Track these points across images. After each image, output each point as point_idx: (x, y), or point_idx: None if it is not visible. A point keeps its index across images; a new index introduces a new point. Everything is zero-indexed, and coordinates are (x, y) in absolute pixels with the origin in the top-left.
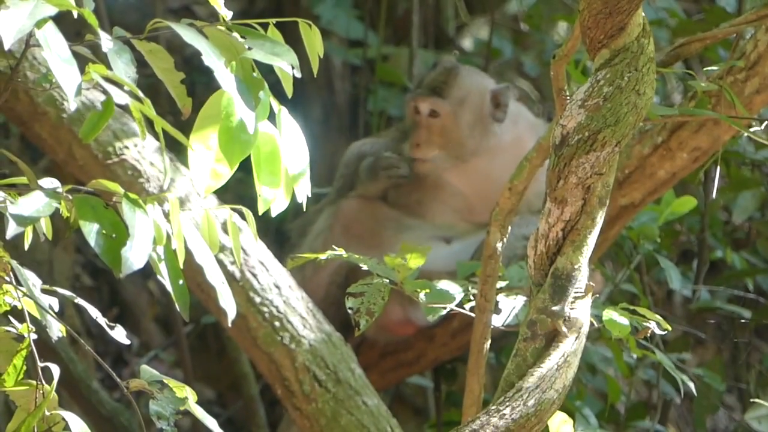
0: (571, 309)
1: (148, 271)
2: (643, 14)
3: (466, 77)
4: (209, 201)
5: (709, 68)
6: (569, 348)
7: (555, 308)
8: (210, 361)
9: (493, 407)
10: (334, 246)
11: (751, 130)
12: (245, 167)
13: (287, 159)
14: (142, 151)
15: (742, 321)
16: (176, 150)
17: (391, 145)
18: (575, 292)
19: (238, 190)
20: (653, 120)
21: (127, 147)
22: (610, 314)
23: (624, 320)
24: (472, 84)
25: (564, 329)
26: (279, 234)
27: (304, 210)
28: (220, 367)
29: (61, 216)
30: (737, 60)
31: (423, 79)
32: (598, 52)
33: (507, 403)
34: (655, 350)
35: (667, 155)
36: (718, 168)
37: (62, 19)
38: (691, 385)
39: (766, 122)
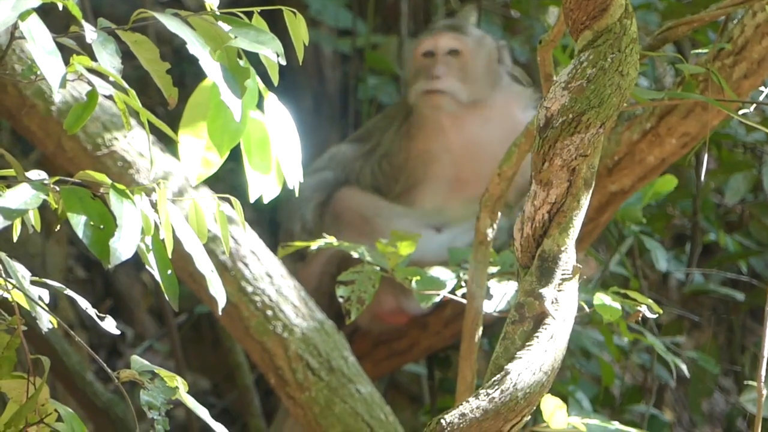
0: (559, 291)
1: (141, 262)
2: None
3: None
4: (201, 191)
5: (696, 51)
6: (557, 330)
7: (542, 290)
8: (205, 351)
9: (482, 391)
10: (325, 234)
11: (741, 113)
12: (237, 156)
13: (277, 145)
14: (132, 142)
15: (737, 303)
16: (168, 140)
17: (361, 158)
18: (562, 274)
19: (231, 180)
20: (641, 104)
21: (116, 138)
22: (601, 298)
23: (615, 304)
24: (484, 33)
25: (552, 311)
26: (273, 223)
27: (296, 196)
28: (214, 357)
29: (52, 208)
30: (725, 44)
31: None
32: (581, 34)
33: (496, 387)
34: (646, 333)
35: (656, 141)
36: (709, 151)
37: (50, 12)
38: (685, 368)
39: (755, 105)
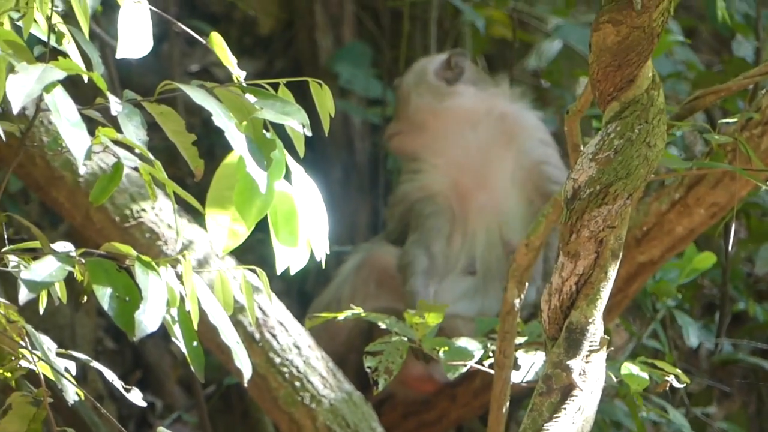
0: (586, 362)
1: (170, 334)
2: (653, 66)
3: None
4: (228, 262)
5: (723, 120)
6: (585, 402)
7: (570, 362)
8: (233, 422)
9: None
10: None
11: None
12: (266, 227)
13: (304, 218)
14: (160, 213)
15: (767, 373)
16: (197, 211)
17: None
18: (590, 346)
19: (260, 251)
20: (670, 174)
21: (144, 210)
22: (628, 368)
23: (643, 374)
24: (423, 59)
25: (579, 383)
26: (301, 294)
27: (323, 268)
28: (243, 428)
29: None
30: (753, 113)
31: None
32: (608, 105)
33: None
34: (667, 406)
35: (685, 211)
36: (738, 220)
37: (77, 83)
38: None
39: None
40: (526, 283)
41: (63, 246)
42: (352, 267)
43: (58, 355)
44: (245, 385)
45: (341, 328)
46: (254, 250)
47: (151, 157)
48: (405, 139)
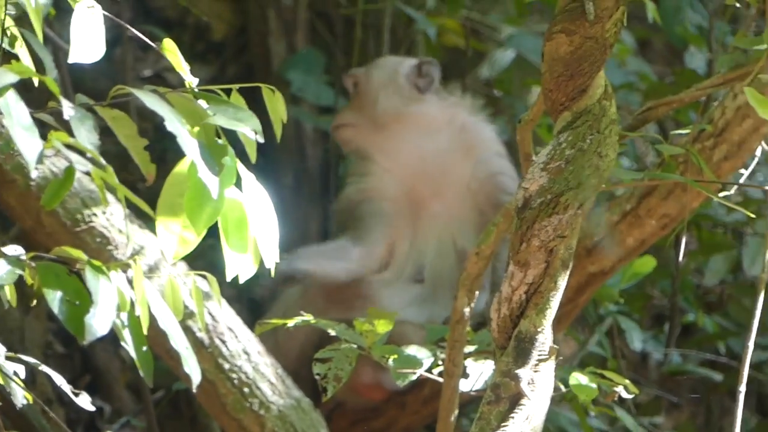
0: (535, 372)
1: (119, 338)
2: (606, 76)
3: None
4: (179, 268)
5: (676, 132)
6: (533, 411)
7: (518, 371)
8: (182, 427)
9: None
10: (302, 312)
11: (721, 194)
12: (217, 233)
13: (255, 225)
14: (111, 218)
15: (715, 384)
16: (148, 217)
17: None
18: (539, 355)
19: (210, 257)
20: (621, 185)
21: (95, 214)
22: (577, 378)
23: (592, 384)
24: (390, 58)
25: (527, 392)
26: (251, 300)
27: (272, 276)
28: None
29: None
30: (706, 125)
31: None
32: (560, 115)
33: None
34: (619, 411)
35: (636, 222)
36: (689, 232)
37: (30, 87)
38: None
39: (735, 187)
40: (476, 292)
41: (13, 249)
42: (298, 289)
43: (7, 358)
44: (194, 390)
45: (293, 345)
46: (205, 256)
47: (103, 161)
48: (359, 133)
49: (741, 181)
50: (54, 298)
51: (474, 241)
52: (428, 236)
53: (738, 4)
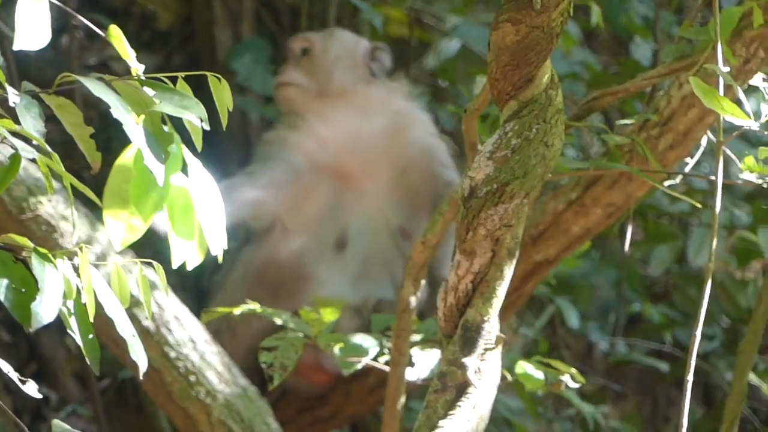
0: (482, 360)
1: (65, 326)
2: (552, 66)
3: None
4: (125, 256)
5: (621, 122)
6: (480, 399)
7: (465, 360)
8: (128, 416)
9: None
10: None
11: (666, 184)
12: None
13: (201, 212)
14: (56, 206)
15: (661, 374)
16: (94, 205)
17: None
18: (486, 344)
19: (156, 245)
20: (567, 174)
21: (41, 202)
22: (524, 367)
23: (538, 373)
24: (346, 33)
25: (474, 380)
26: (197, 288)
27: (219, 263)
28: (138, 422)
29: None
30: (651, 114)
31: None
32: (507, 104)
33: None
34: (570, 396)
35: (581, 211)
36: (635, 221)
37: None
38: None
39: (680, 176)
40: (422, 281)
41: None
42: (241, 274)
43: None
44: (140, 378)
45: (242, 340)
46: (150, 245)
47: (49, 149)
48: (303, 95)
49: (686, 170)
50: (0, 286)
51: (408, 221)
52: (356, 212)
53: None
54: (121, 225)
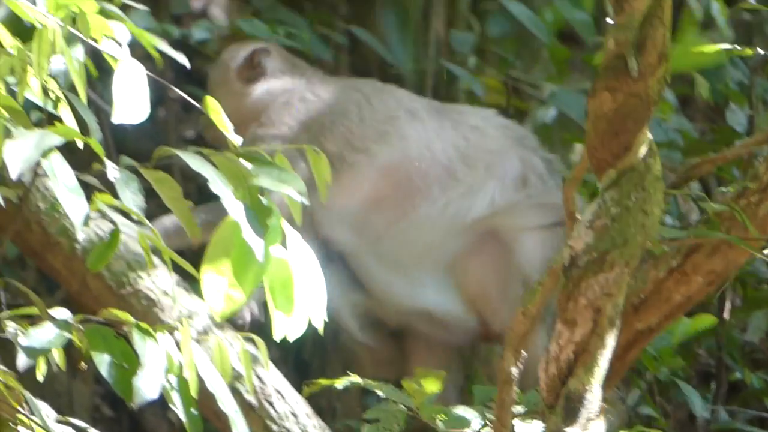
0: (585, 431)
1: (167, 400)
2: (649, 134)
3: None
4: (226, 330)
5: (721, 189)
6: None
7: (568, 430)
8: None
9: None
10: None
11: (766, 251)
12: None
13: (301, 285)
14: (156, 280)
15: None
16: (193, 280)
17: None
18: (588, 414)
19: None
20: (667, 243)
21: (140, 277)
22: None
23: None
24: (219, 63)
25: None
26: (298, 361)
27: (321, 335)
28: None
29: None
30: (749, 182)
31: None
32: (605, 173)
33: None
34: None
35: (683, 279)
36: (734, 289)
37: (74, 149)
38: None
39: None
40: (523, 352)
41: (61, 313)
42: None
43: (57, 422)
44: None
45: None
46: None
47: (149, 224)
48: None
49: None
50: (102, 361)
51: None
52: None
53: None
54: (221, 294)
